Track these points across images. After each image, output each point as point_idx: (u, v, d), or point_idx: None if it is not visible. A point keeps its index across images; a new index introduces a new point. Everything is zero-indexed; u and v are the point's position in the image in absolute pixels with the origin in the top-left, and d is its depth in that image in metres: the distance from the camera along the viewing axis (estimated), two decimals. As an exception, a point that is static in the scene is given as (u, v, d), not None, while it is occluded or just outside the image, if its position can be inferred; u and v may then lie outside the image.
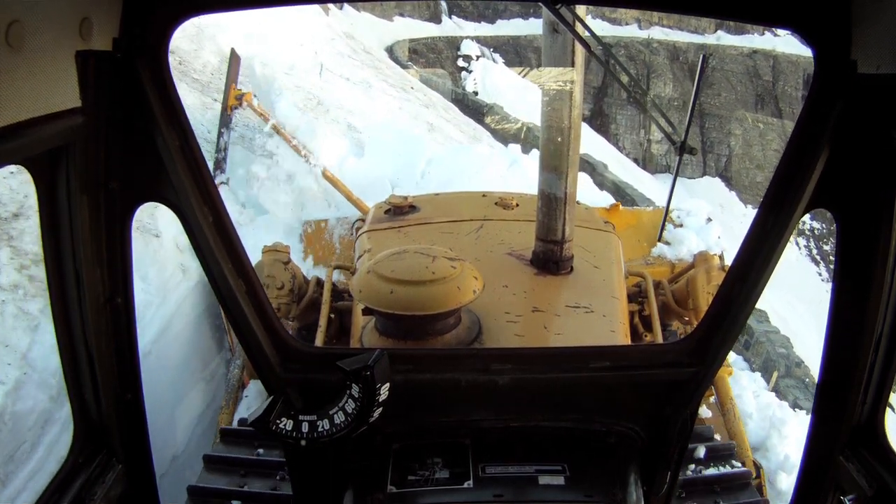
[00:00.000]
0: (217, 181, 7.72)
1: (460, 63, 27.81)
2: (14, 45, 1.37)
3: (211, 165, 7.83)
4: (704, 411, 5.56)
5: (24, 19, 1.39)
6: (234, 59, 8.08)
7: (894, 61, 1.65)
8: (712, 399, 5.48)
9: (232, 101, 8.18)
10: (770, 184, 2.02)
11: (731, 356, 7.86)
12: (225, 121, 8.33)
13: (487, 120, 19.11)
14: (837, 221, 1.97)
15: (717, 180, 30.60)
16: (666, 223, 6.36)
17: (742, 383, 7.10)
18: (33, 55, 1.46)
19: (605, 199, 10.58)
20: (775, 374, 7.22)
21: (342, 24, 19.95)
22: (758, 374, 8.37)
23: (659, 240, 5.75)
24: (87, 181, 1.78)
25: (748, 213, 24.27)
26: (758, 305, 2.25)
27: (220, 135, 8.34)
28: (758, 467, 4.81)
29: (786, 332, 10.50)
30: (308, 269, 6.77)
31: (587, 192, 9.40)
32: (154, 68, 1.80)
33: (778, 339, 9.90)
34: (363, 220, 5.11)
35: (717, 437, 5.17)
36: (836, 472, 2.12)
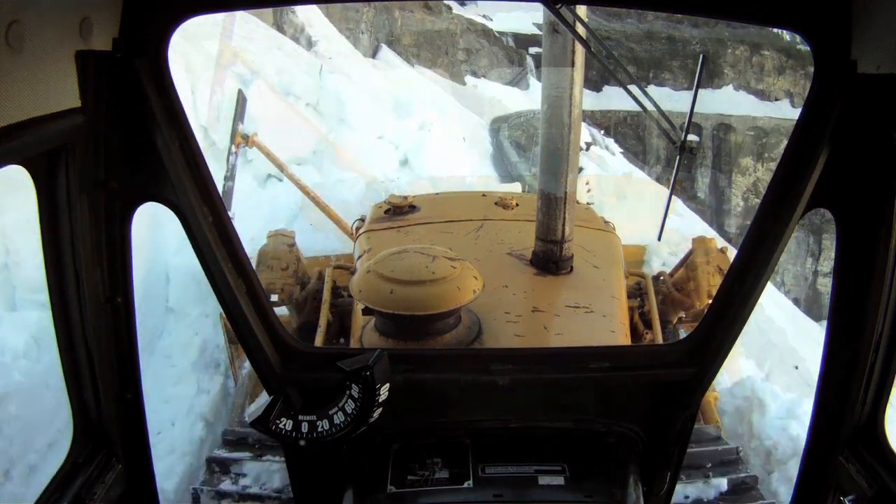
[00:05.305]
0: None
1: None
2: (14, 45, 1.37)
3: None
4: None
5: (24, 19, 1.38)
6: (240, 98, 8.59)
7: (894, 61, 1.65)
8: None
9: (238, 140, 8.67)
10: (769, 184, 2.02)
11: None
12: (230, 159, 8.74)
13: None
14: (837, 221, 1.97)
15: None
16: (665, 223, 6.32)
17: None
18: (33, 55, 1.46)
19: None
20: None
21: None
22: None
23: (658, 239, 5.74)
24: (86, 181, 1.78)
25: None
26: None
27: (226, 178, 8.66)
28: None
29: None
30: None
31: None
32: (154, 68, 1.80)
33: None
34: (362, 220, 5.13)
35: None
36: (836, 472, 2.12)
